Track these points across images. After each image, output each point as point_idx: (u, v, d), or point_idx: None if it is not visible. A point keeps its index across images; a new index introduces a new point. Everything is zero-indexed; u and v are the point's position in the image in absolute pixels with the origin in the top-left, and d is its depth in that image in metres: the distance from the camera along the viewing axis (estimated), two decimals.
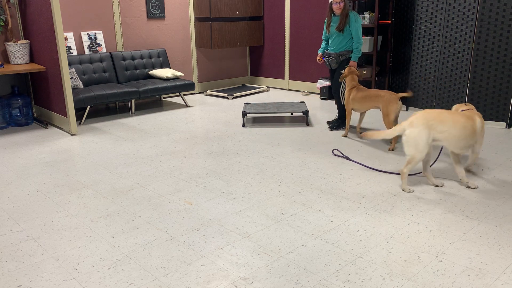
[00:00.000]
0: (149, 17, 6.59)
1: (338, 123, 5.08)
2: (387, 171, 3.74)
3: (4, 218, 2.99)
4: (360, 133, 4.64)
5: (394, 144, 4.34)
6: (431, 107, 5.78)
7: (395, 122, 4.35)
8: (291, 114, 5.69)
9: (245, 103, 5.71)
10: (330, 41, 4.93)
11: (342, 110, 5.03)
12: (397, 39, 6.16)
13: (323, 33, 5.04)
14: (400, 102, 4.30)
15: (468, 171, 3.73)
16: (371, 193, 3.31)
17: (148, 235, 2.73)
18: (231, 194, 3.32)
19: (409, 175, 3.64)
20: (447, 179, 3.58)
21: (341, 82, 4.81)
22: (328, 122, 5.28)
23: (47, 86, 5.24)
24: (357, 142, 4.63)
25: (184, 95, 7.28)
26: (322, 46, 5.12)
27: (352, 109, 4.66)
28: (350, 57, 4.85)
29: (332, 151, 4.27)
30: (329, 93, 6.79)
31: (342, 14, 4.69)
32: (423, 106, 5.88)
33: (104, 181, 3.63)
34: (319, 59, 5.11)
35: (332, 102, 6.66)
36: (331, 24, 4.83)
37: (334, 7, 4.70)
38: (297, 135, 4.91)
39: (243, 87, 7.66)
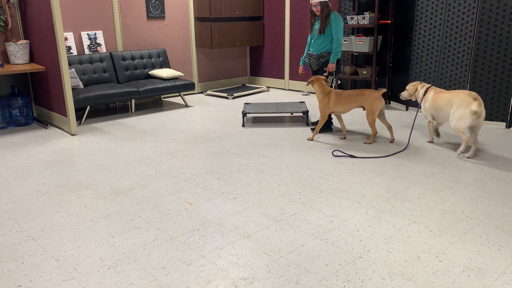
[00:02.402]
0: (149, 17, 6.59)
1: (324, 126, 4.99)
2: (390, 154, 3.74)
3: (4, 218, 2.99)
4: (344, 138, 4.68)
5: (372, 138, 4.54)
6: None
7: (383, 117, 4.55)
8: (291, 114, 5.69)
9: (245, 103, 5.71)
10: (312, 41, 4.89)
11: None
12: (397, 39, 6.16)
13: (309, 36, 4.99)
14: (383, 99, 4.44)
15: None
16: (371, 193, 3.31)
17: (148, 235, 2.73)
18: (231, 194, 3.32)
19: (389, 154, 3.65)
20: (447, 176, 3.58)
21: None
22: (312, 123, 5.28)
23: (47, 86, 5.24)
24: (354, 142, 4.63)
25: (184, 95, 7.28)
26: (304, 55, 5.05)
27: (333, 113, 4.63)
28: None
29: (332, 153, 4.27)
30: None
31: (322, 16, 4.69)
32: None
33: (104, 181, 3.63)
34: (301, 73, 5.09)
35: None
36: (313, 26, 4.83)
37: (314, 9, 4.72)
38: (297, 135, 4.91)
39: (243, 87, 7.66)
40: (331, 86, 4.79)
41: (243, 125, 5.31)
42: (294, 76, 7.57)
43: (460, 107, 3.99)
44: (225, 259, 2.44)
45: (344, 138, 4.71)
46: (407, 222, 2.85)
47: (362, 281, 2.22)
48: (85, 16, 5.99)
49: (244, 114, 5.29)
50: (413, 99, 4.61)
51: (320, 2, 4.64)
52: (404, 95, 4.64)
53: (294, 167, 3.88)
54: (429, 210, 3.02)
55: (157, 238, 2.68)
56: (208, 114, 5.99)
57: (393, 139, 4.57)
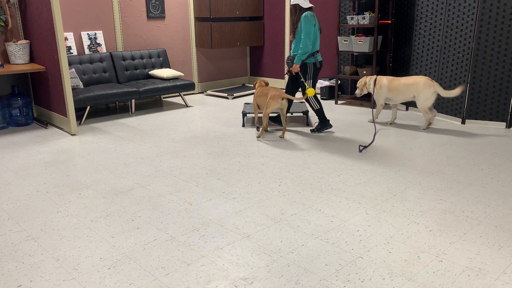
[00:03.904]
0: (149, 17, 6.59)
1: (320, 126, 4.99)
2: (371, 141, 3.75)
3: (4, 218, 2.99)
4: (264, 132, 4.96)
5: (262, 132, 4.82)
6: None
7: (284, 117, 4.79)
8: (291, 114, 5.68)
9: (245, 103, 5.71)
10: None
11: (319, 113, 4.96)
12: (397, 39, 6.16)
13: None
14: (283, 101, 4.64)
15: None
16: (371, 193, 3.31)
17: (148, 235, 2.73)
18: (231, 194, 3.32)
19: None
20: (447, 176, 3.58)
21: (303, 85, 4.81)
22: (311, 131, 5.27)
23: (47, 86, 5.24)
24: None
25: (184, 95, 7.28)
26: None
27: (258, 105, 4.92)
28: (306, 62, 4.72)
29: (359, 149, 4.32)
30: (329, 93, 6.79)
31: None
32: None
33: (104, 181, 3.63)
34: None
35: (332, 102, 6.66)
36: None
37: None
38: (297, 135, 4.91)
39: (243, 87, 7.66)
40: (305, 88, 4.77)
41: (243, 125, 5.31)
42: None
43: (423, 90, 4.87)
44: (225, 259, 2.44)
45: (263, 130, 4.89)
46: (407, 222, 2.85)
47: (362, 281, 2.22)
48: (85, 16, 5.99)
49: (244, 114, 5.29)
50: (365, 92, 5.25)
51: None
52: (357, 92, 5.29)
53: (294, 167, 3.88)
54: (429, 210, 3.02)
55: (157, 238, 2.68)
56: (208, 114, 5.99)
57: (282, 137, 4.82)
